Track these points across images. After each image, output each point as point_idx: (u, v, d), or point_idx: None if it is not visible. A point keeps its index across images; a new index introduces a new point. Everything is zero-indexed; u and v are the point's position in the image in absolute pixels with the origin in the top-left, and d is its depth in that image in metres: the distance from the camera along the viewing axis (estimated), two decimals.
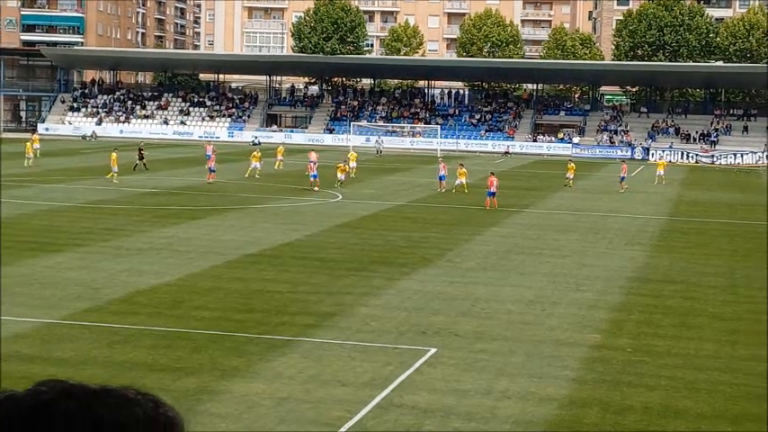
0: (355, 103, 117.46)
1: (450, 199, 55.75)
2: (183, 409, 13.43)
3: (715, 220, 50.25)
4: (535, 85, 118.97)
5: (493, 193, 51.12)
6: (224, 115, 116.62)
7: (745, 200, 60.53)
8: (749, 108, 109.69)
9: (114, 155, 58.64)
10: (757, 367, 22.43)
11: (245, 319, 25.31)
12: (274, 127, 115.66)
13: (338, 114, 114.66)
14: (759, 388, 20.77)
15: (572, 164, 67.67)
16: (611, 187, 64.44)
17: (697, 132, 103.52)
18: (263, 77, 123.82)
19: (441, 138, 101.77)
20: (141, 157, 65.70)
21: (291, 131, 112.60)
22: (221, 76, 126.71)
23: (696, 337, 25.12)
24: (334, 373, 20.70)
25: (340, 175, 59.23)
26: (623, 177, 63.90)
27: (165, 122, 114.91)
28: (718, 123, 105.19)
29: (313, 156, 61.68)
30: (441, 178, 60.13)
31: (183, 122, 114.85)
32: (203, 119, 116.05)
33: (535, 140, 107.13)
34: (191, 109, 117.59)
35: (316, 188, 55.88)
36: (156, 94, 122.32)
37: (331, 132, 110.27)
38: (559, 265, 35.26)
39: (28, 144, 71.17)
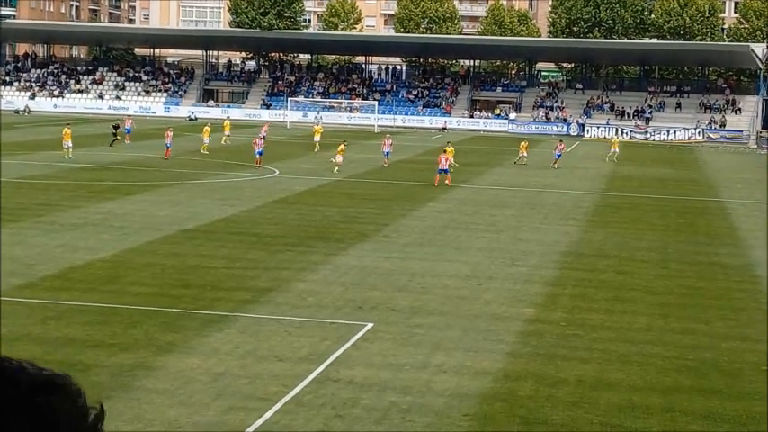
0: (292, 78, 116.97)
1: (387, 175, 55.84)
2: (119, 384, 13.39)
3: (648, 195, 50.85)
4: (472, 61, 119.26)
5: (445, 170, 51.04)
6: (160, 90, 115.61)
7: (677, 176, 61.33)
8: (682, 85, 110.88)
9: (67, 130, 57.53)
10: (688, 340, 22.82)
11: (181, 294, 25.23)
12: (211, 102, 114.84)
13: (275, 90, 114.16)
14: (690, 360, 21.14)
15: (525, 142, 67.62)
16: (547, 163, 64.90)
17: (631, 109, 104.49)
18: (200, 52, 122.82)
19: (378, 113, 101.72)
20: (115, 134, 65.09)
21: (228, 107, 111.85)
22: (157, 50, 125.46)
23: (629, 311, 25.47)
24: (271, 348, 20.72)
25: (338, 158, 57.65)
26: (559, 155, 63.95)
27: (101, 97, 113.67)
28: (651, 100, 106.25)
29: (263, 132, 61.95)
30: (386, 154, 60.21)
31: (118, 97, 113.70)
32: (139, 94, 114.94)
33: (472, 116, 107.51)
34: (126, 84, 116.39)
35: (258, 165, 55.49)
36: (90, 68, 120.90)
37: (268, 108, 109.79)
38: (495, 240, 35.52)
39: None
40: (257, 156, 56.17)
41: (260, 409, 17.00)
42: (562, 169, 62.43)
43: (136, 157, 59.52)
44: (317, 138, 70.07)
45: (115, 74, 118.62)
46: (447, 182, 50.31)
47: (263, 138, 59.66)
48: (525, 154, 64.70)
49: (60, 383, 1.63)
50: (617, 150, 71.12)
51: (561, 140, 70.01)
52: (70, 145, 56.81)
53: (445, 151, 53.29)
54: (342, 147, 56.48)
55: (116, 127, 66.58)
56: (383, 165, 59.35)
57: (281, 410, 17.04)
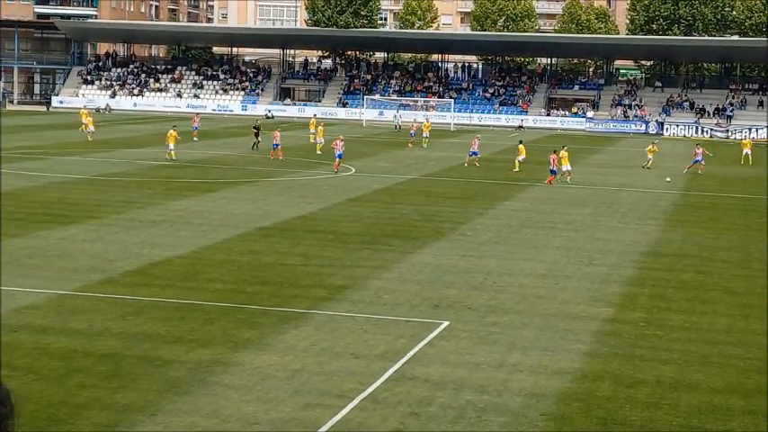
0: (368, 76, 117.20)
1: (464, 173, 55.68)
2: (196, 380, 13.52)
3: (728, 194, 50.10)
4: (549, 59, 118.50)
5: (554, 171, 50.92)
6: (237, 89, 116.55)
7: (759, 174, 60.30)
8: (765, 82, 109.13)
9: (173, 132, 56.90)
10: None
11: (257, 291, 25.38)
12: (288, 100, 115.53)
13: (351, 88, 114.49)
14: None
15: (654, 146, 63.90)
16: (625, 162, 64.19)
17: (712, 107, 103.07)
18: (277, 51, 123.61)
19: (454, 112, 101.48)
20: (257, 135, 63.42)
21: (305, 105, 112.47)
22: (235, 49, 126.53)
23: (709, 312, 25.10)
24: (347, 346, 20.75)
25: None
26: (698, 160, 59.82)
27: (179, 95, 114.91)
28: (733, 98, 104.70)
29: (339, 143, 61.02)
30: (474, 154, 59.88)
31: (196, 96, 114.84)
32: (217, 92, 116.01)
33: (549, 114, 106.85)
34: (204, 82, 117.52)
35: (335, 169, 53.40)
36: (169, 67, 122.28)
37: (344, 106, 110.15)
38: (572, 238, 35.24)
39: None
40: (337, 159, 53.16)
41: (336, 406, 17.03)
42: (641, 168, 61.71)
43: (214, 154, 60.00)
44: (426, 133, 74.21)
45: (193, 72, 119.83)
46: (548, 181, 50.87)
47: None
48: (650, 157, 61.69)
49: None
50: (748, 152, 68.76)
51: (698, 144, 65.57)
52: (172, 147, 55.88)
53: (555, 152, 52.41)
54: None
55: (257, 128, 64.49)
56: (475, 164, 58.99)
57: (357, 408, 17.05)
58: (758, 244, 35.55)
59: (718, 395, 18.52)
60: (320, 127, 67.47)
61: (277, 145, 58.55)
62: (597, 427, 16.67)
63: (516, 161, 57.03)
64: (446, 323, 22.89)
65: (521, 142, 60.09)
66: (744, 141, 73.48)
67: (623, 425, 16.79)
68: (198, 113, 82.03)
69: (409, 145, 72.10)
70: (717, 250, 33.98)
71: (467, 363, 19.93)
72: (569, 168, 51.67)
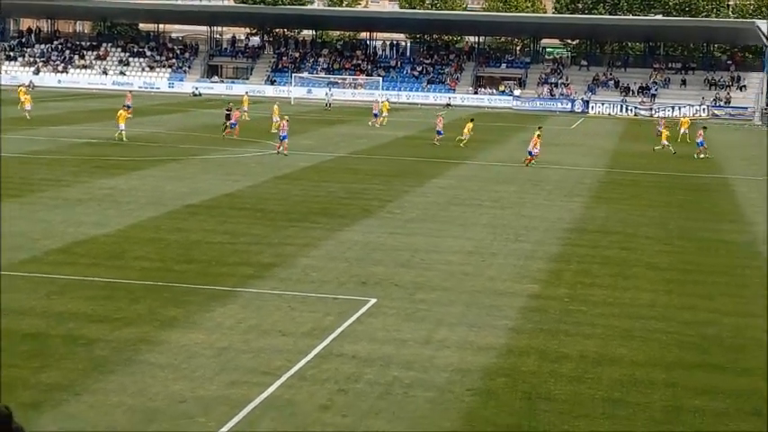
0: (297, 54, 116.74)
1: (391, 151, 55.81)
2: (122, 358, 13.45)
3: (652, 172, 50.79)
4: (477, 37, 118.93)
5: (531, 153, 50.93)
6: (164, 66, 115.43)
7: (681, 152, 61.17)
8: (687, 62, 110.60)
9: (123, 112, 56.21)
10: (691, 316, 22.86)
11: (184, 269, 25.28)
12: (215, 78, 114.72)
13: (280, 66, 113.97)
14: (692, 336, 21.19)
15: (666, 130, 62.86)
16: (551, 140, 64.76)
17: (636, 85, 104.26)
18: (204, 28, 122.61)
19: (382, 89, 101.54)
20: (228, 117, 61.75)
21: (233, 82, 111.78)
22: (161, 26, 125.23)
23: (632, 287, 25.50)
24: (274, 323, 20.78)
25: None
26: (701, 142, 58.95)
27: (104, 73, 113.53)
28: (656, 77, 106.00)
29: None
30: (439, 133, 60.59)
31: (122, 73, 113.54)
32: (143, 69, 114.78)
33: (476, 93, 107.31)
34: (130, 59, 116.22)
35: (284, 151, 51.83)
36: (94, 44, 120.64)
37: (272, 84, 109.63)
38: (499, 216, 35.54)
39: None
40: (283, 140, 51.43)
41: (263, 383, 17.07)
42: (566, 146, 62.30)
43: (141, 132, 59.44)
44: (385, 113, 74.30)
45: (119, 49, 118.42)
46: (526, 162, 50.78)
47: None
48: (667, 143, 60.82)
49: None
50: (686, 131, 69.44)
51: (705, 127, 65.65)
52: (123, 127, 54.85)
53: (538, 135, 52.53)
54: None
55: (229, 110, 62.90)
56: (434, 143, 59.47)
57: (285, 385, 17.10)
58: (679, 221, 36.15)
59: (640, 369, 18.86)
60: (275, 106, 67.24)
61: (234, 124, 59.02)
62: (522, 401, 16.89)
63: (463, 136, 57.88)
64: (373, 300, 23.01)
65: (472, 120, 61.04)
66: (682, 120, 74.23)
67: (548, 399, 17.04)
68: (130, 91, 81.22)
69: (373, 124, 71.84)
70: (639, 227, 34.49)
71: (394, 339, 20.07)
72: (537, 150, 51.74)
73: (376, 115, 73.67)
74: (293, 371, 17.81)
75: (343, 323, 20.99)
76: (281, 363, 18.20)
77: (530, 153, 51.01)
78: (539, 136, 52.32)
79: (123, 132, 54.55)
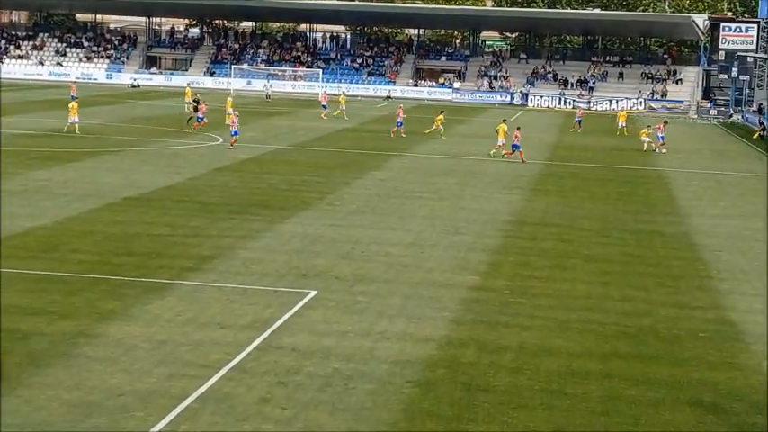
0: (236, 46, 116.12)
1: (331, 143, 55.76)
2: (59, 352, 13.34)
3: (589, 164, 51.23)
4: (417, 30, 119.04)
5: (518, 146, 50.36)
6: (102, 57, 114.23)
7: (618, 145, 61.77)
8: (625, 55, 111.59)
9: (75, 104, 55.15)
10: (627, 307, 23.11)
11: (122, 262, 25.08)
12: (154, 69, 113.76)
13: (219, 57, 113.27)
14: (628, 327, 21.43)
15: (648, 128, 61.43)
16: (491, 132, 64.94)
17: (574, 78, 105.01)
18: (143, 19, 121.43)
19: (323, 82, 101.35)
20: (196, 110, 61.07)
21: (171, 74, 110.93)
22: (99, 16, 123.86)
23: (569, 279, 25.73)
24: (214, 316, 20.70)
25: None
26: (661, 137, 58.99)
27: (41, 63, 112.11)
28: (594, 70, 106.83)
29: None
30: (399, 124, 60.66)
31: (59, 63, 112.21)
32: (80, 60, 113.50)
33: (416, 85, 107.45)
34: (67, 50, 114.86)
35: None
36: (30, 34, 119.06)
37: (212, 75, 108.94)
38: (438, 208, 35.65)
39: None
40: (233, 136, 50.70)
41: (202, 376, 17.00)
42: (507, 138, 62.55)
43: (79, 123, 58.75)
44: (343, 106, 73.68)
45: (56, 40, 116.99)
46: (513, 157, 50.33)
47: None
48: (646, 139, 59.89)
49: None
50: (624, 124, 70.10)
51: (666, 122, 65.25)
52: (75, 120, 53.94)
53: (518, 128, 52.38)
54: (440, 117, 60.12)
55: (196, 102, 62.59)
56: (393, 134, 59.43)
57: (224, 378, 17.05)
58: (616, 213, 36.50)
59: (577, 360, 19.04)
60: (229, 99, 66.76)
61: (201, 117, 58.67)
62: (461, 392, 16.98)
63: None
64: (313, 292, 23.00)
65: (442, 112, 61.17)
66: (620, 113, 74.85)
67: (487, 390, 17.15)
68: (74, 82, 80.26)
69: (323, 117, 71.53)
70: (577, 219, 34.79)
71: (334, 331, 20.08)
72: (503, 142, 51.88)
73: (325, 107, 73.52)
74: (232, 364, 17.76)
75: (282, 315, 20.96)
76: (220, 355, 18.13)
77: (515, 147, 50.35)
78: (518, 129, 52.20)
79: (76, 124, 53.88)
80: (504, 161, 50.31)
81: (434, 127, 60.30)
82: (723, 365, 19.09)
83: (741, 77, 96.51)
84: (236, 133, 50.58)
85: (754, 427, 16.11)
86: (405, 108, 68.36)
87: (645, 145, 58.69)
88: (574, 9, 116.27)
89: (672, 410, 16.60)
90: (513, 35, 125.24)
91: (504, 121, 54.98)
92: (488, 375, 17.90)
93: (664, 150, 58.06)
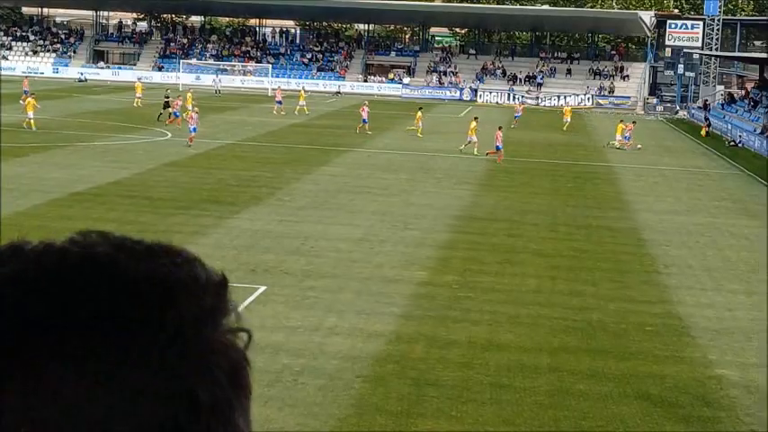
0: (185, 40, 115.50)
1: (281, 138, 55.63)
2: None
3: (539, 160, 51.53)
4: (366, 25, 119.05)
5: (499, 147, 50.00)
6: (48, 50, 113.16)
7: (567, 141, 62.22)
8: (572, 51, 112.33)
9: (31, 100, 54.61)
10: (576, 301, 23.30)
11: None
12: (101, 63, 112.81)
13: (168, 52, 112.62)
14: (577, 321, 21.61)
15: (623, 123, 62.01)
16: (440, 128, 65.22)
17: (523, 74, 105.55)
18: (90, 12, 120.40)
19: (272, 77, 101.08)
20: (167, 105, 60.61)
21: (119, 68, 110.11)
22: (45, 10, 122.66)
23: (519, 274, 25.88)
24: None
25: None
26: (628, 137, 59.29)
27: None
28: (543, 66, 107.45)
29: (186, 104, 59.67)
30: (365, 121, 60.50)
31: (4, 57, 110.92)
32: (26, 54, 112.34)
33: (366, 80, 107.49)
34: (13, 44, 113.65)
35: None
36: None
37: (160, 70, 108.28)
38: (388, 203, 35.71)
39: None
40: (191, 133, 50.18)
41: None
42: (457, 134, 62.79)
43: (24, 118, 58.17)
44: (303, 102, 73.19)
45: (1, 33, 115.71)
46: (498, 159, 49.57)
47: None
48: (620, 137, 60.05)
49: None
50: (569, 119, 70.66)
51: (635, 121, 65.75)
52: (31, 116, 53.40)
53: (500, 128, 52.26)
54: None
55: (167, 98, 62.03)
56: (360, 130, 59.26)
57: None
58: (565, 208, 36.77)
59: (526, 354, 19.17)
60: (189, 94, 66.24)
61: (177, 113, 58.03)
62: (411, 387, 17.04)
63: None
64: (263, 288, 22.97)
65: (420, 108, 60.88)
66: (566, 109, 75.42)
67: (436, 385, 17.21)
68: (27, 77, 79.42)
69: (278, 113, 71.15)
70: (527, 214, 34.99)
71: (283, 327, 20.07)
72: (474, 139, 51.95)
73: (279, 103, 73.32)
74: None
75: None
76: None
77: (498, 148, 49.99)
78: (500, 129, 52.09)
79: (32, 120, 53.30)
80: (455, 156, 50.47)
81: (417, 124, 59.93)
82: (670, 359, 19.31)
83: (687, 74, 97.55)
84: (194, 130, 49.93)
85: (701, 420, 16.32)
86: (355, 104, 68.24)
87: (618, 143, 59.26)
88: (522, 5, 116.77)
89: (619, 404, 16.77)
90: (463, 31, 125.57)
91: (475, 119, 55.13)
92: (437, 370, 17.97)
93: (639, 146, 58.68)
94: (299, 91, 78.14)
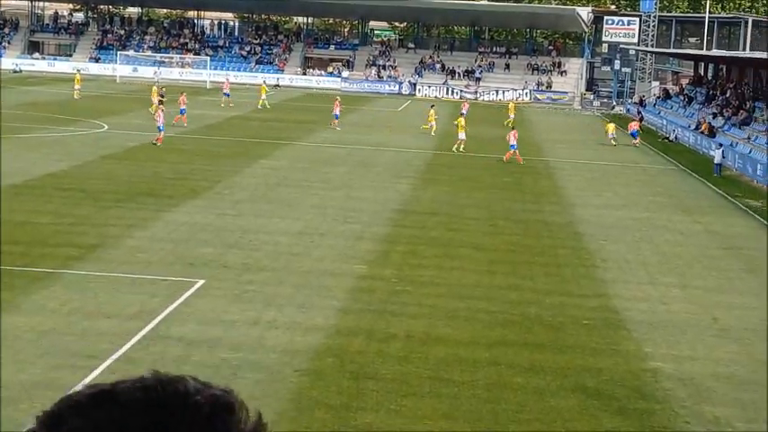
0: (122, 32, 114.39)
1: (220, 131, 55.33)
2: None
3: (477, 154, 51.71)
4: (306, 18, 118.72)
5: (515, 147, 49.40)
6: None
7: (505, 135, 62.44)
8: (511, 47, 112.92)
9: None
10: (514, 295, 23.45)
11: (5, 251, 24.53)
12: (36, 54, 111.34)
13: (104, 43, 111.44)
14: (515, 315, 21.75)
15: (612, 124, 63.10)
16: (380, 122, 65.27)
17: (461, 68, 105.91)
18: (25, 2, 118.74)
19: (210, 69, 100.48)
20: (161, 102, 58.65)
21: (55, 59, 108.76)
22: None
23: (457, 268, 25.99)
24: (100, 306, 20.42)
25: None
26: (613, 135, 59.32)
27: None
28: (481, 61, 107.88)
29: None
30: (335, 117, 60.38)
31: None
32: None
33: (305, 74, 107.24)
34: None
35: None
36: None
37: (97, 61, 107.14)
38: (328, 197, 35.68)
39: None
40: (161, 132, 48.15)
41: (87, 367, 16.77)
42: (395, 128, 62.88)
43: None
44: (264, 95, 72.45)
45: None
46: (517, 158, 48.84)
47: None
48: (614, 134, 60.66)
49: (233, 402, 1.52)
50: (513, 116, 70.93)
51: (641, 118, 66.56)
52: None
53: (513, 128, 51.66)
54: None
55: (162, 96, 60.56)
56: (335, 127, 59.00)
57: (109, 368, 16.85)
58: (503, 202, 36.98)
59: (465, 347, 19.27)
60: (154, 87, 65.52)
61: (183, 110, 56.78)
62: (350, 381, 17.06)
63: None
64: (201, 282, 22.86)
65: (432, 106, 60.32)
66: (510, 105, 75.78)
67: (375, 378, 17.25)
68: None
69: (224, 105, 70.64)
70: (465, 208, 35.15)
71: (222, 321, 19.99)
72: (464, 137, 51.98)
73: (227, 95, 72.97)
74: (119, 354, 17.57)
75: (170, 305, 20.78)
76: (105, 346, 17.91)
77: (513, 147, 49.38)
78: (514, 129, 51.85)
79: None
80: (394, 151, 50.55)
81: (431, 123, 59.59)
82: (606, 352, 19.52)
83: (623, 70, 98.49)
84: (162, 129, 47.99)
85: (636, 412, 16.51)
86: (293, 97, 68.00)
87: (612, 141, 59.86)
88: (462, 0, 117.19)
89: (556, 397, 16.92)
90: (402, 25, 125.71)
91: (432, 106, 55.32)
92: (377, 364, 18.01)
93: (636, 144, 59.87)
94: (261, 85, 77.68)
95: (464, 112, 62.77)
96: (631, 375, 18.25)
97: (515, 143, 49.43)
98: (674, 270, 27.10)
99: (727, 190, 43.05)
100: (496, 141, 58.49)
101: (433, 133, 52.80)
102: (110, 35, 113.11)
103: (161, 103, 58.32)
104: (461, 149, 51.36)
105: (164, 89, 63.83)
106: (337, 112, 60.79)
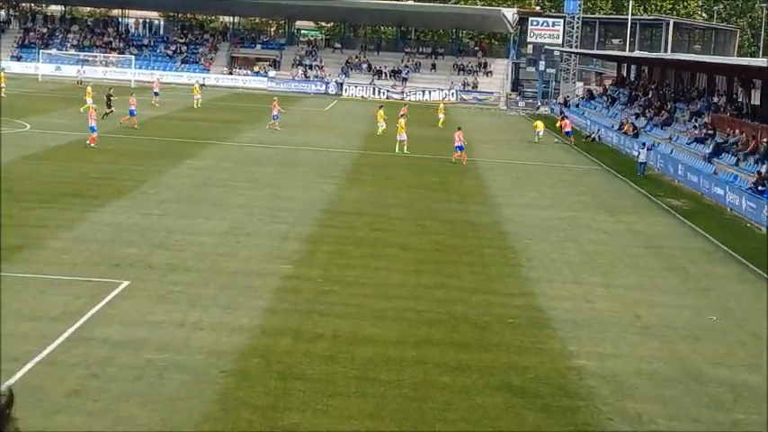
0: (45, 30, 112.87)
1: (145, 131, 54.86)
2: None
3: (403, 154, 51.83)
4: (232, 17, 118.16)
5: (461, 147, 49.26)
6: None
7: (432, 135, 62.77)
8: (437, 47, 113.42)
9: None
10: (440, 294, 23.58)
11: None
12: None
13: (26, 41, 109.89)
14: (441, 314, 21.87)
15: (539, 120, 64.03)
16: (306, 121, 65.19)
17: (388, 69, 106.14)
18: None
19: (135, 68, 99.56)
20: (109, 105, 58.34)
21: None
22: None
23: (384, 267, 26.06)
24: (22, 307, 20.17)
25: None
26: (461, 147, 53.79)
27: None
28: (408, 61, 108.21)
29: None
30: (275, 117, 60.17)
31: None
32: None
33: (231, 73, 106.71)
34: None
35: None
36: None
37: (19, 60, 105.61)
38: (254, 197, 35.58)
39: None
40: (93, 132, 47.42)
41: (9, 370, 16.55)
42: (321, 128, 62.85)
43: None
44: (198, 95, 72.82)
45: None
46: (463, 159, 48.97)
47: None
48: (541, 132, 62.44)
49: None
50: (443, 116, 71.15)
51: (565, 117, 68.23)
52: None
53: (459, 129, 51.62)
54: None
55: (109, 97, 59.71)
56: (274, 128, 58.58)
57: (33, 371, 16.65)
58: (429, 202, 37.14)
59: (392, 347, 19.34)
60: (89, 87, 64.56)
61: (133, 111, 56.10)
62: (276, 381, 17.04)
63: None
64: (126, 282, 22.67)
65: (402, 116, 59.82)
66: (440, 106, 76.17)
67: (302, 378, 17.25)
68: None
69: (154, 104, 70.04)
70: (391, 208, 35.25)
71: (147, 322, 19.85)
72: (404, 138, 51.95)
73: (156, 94, 72.44)
74: (42, 356, 17.37)
75: (94, 306, 20.59)
76: (29, 348, 17.70)
77: (459, 148, 49.40)
78: (459, 129, 51.74)
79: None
80: (320, 151, 50.53)
81: (380, 123, 59.55)
82: (531, 350, 19.71)
83: (548, 71, 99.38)
84: (93, 129, 47.07)
85: (561, 410, 16.70)
86: (219, 96, 67.63)
87: (536, 137, 61.05)
88: (388, 0, 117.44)
89: (482, 395, 17.05)
90: (328, 25, 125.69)
91: (380, 107, 55.54)
92: (303, 364, 18.01)
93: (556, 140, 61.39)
94: (194, 85, 77.24)
95: (403, 113, 63.02)
96: (556, 373, 18.45)
97: (461, 144, 49.54)
98: (597, 269, 27.44)
99: (649, 189, 43.72)
100: (425, 141, 58.70)
101: (380, 132, 53.55)
102: (32, 33, 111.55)
103: (108, 105, 57.65)
104: (405, 150, 51.49)
105: (112, 89, 63.22)
106: (276, 113, 60.61)
